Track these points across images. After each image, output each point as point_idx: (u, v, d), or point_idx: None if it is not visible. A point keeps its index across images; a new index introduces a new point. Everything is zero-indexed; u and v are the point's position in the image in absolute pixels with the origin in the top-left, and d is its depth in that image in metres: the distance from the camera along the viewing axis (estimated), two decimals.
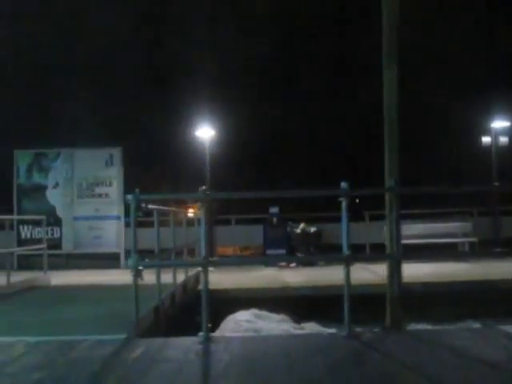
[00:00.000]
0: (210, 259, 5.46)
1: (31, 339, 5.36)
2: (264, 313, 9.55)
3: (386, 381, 4.03)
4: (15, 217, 11.16)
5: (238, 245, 14.10)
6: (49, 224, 12.97)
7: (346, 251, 5.32)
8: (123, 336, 5.36)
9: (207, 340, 5.12)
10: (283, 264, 12.24)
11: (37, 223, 13.04)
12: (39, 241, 12.70)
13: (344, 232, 5.32)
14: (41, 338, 5.40)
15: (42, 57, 20.77)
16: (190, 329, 7.23)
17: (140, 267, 5.41)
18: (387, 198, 5.74)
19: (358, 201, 17.92)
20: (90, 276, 11.73)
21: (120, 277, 11.71)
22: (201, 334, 5.19)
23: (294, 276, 11.25)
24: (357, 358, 4.61)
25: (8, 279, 9.09)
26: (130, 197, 5.19)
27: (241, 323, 9.08)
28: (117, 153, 13.51)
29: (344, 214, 5.28)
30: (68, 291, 9.61)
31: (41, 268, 10.66)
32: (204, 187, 5.15)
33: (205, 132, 14.47)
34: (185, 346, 5.07)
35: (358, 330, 5.52)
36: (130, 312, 6.98)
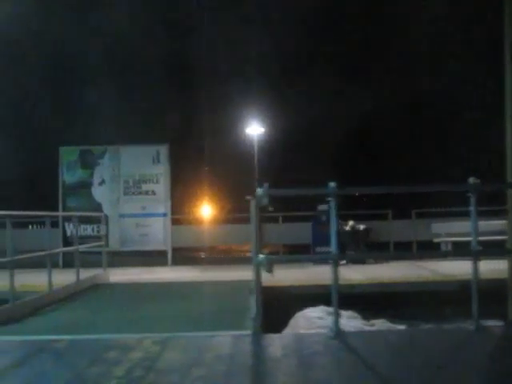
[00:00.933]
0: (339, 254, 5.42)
1: (156, 336, 5.31)
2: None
3: None
4: (75, 213, 11.03)
5: (286, 243, 14.05)
6: (95, 221, 12.89)
7: (475, 246, 5.31)
8: (248, 332, 5.34)
9: (338, 335, 5.11)
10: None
11: (82, 220, 12.94)
12: (85, 238, 12.62)
13: (473, 227, 5.31)
14: (166, 335, 5.35)
15: (89, 56, 20.67)
16: (272, 324, 7.26)
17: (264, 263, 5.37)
18: (510, 194, 5.74)
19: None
20: (144, 273, 11.67)
21: (176, 274, 11.70)
22: (329, 328, 5.21)
23: (353, 273, 11.24)
24: (506, 353, 4.60)
25: (77, 277, 9.05)
26: (259, 191, 5.14)
27: (313, 320, 9.06)
28: (164, 150, 13.41)
29: (473, 209, 5.27)
30: (138, 288, 9.56)
31: (85, 266, 10.56)
32: (333, 183, 5.12)
33: (254, 129, 14.44)
34: (319, 340, 5.07)
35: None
36: (227, 307, 7.01)
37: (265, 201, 5.13)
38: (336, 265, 5.22)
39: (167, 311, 7.13)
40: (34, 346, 5.03)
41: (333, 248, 5.24)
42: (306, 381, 3.95)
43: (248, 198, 5.91)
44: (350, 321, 9.44)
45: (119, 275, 10.94)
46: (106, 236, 13.06)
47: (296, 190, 5.82)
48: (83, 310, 7.40)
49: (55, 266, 11.62)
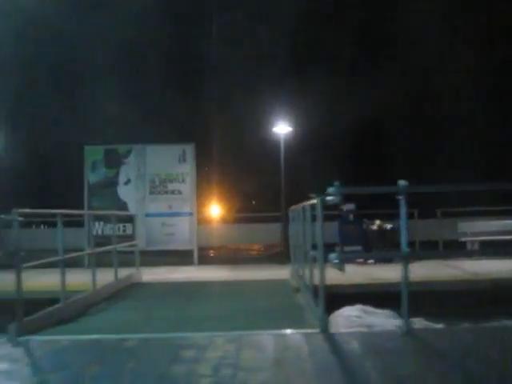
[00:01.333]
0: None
1: (225, 334, 5.29)
2: (370, 308, 9.49)
3: None
4: (115, 212, 10.94)
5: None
6: (120, 221, 12.83)
7: None
8: (315, 330, 5.34)
9: (409, 332, 5.12)
10: (361, 260, 12.23)
11: (108, 220, 12.88)
12: (110, 238, 12.54)
13: None
14: (234, 333, 5.33)
15: (116, 55, 20.57)
16: None
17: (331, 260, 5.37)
18: None
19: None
20: (174, 273, 11.64)
21: (206, 273, 11.64)
22: (399, 326, 5.23)
23: (383, 272, 11.22)
24: None
25: (116, 276, 9.02)
26: (332, 189, 5.13)
27: (351, 319, 9.01)
28: (190, 149, 13.39)
29: None
30: (177, 287, 9.51)
31: (111, 265, 10.50)
32: (404, 181, 5.11)
33: (281, 129, 14.37)
34: (391, 337, 5.08)
35: None
36: (276, 305, 6.98)
37: (336, 199, 5.11)
38: (406, 263, 5.22)
39: (218, 310, 7.10)
40: (105, 345, 5.01)
41: (403, 246, 5.24)
42: (399, 377, 3.95)
43: (311, 195, 5.89)
44: (389, 320, 9.43)
45: (148, 274, 10.89)
46: (132, 235, 13.05)
47: (367, 189, 5.81)
48: (133, 308, 7.36)
49: (80, 265, 11.64)
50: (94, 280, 7.82)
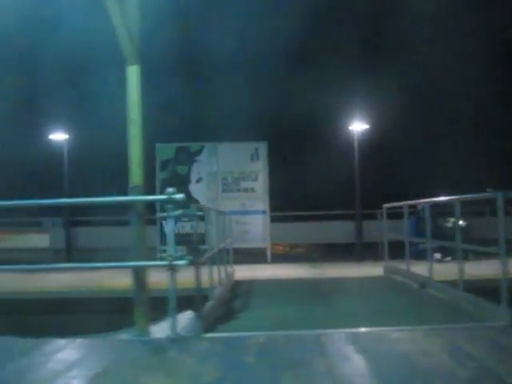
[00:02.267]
0: None
1: (399, 328, 5.27)
2: None
3: None
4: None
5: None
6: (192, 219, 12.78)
7: None
8: (502, 323, 5.36)
9: None
10: (439, 257, 12.29)
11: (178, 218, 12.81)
12: (183, 236, 12.45)
13: None
14: (411, 327, 5.35)
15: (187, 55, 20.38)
16: None
17: None
18: None
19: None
20: (256, 271, 11.60)
21: (289, 271, 11.62)
22: None
23: (472, 269, 11.25)
24: None
25: (226, 274, 8.99)
26: None
27: None
28: (262, 147, 13.38)
29: None
30: (282, 285, 9.46)
31: None
32: None
33: (357, 126, 14.24)
34: None
35: None
36: (407, 302, 6.96)
37: None
38: None
39: (352, 308, 6.96)
40: (310, 340, 4.91)
41: None
42: None
43: (489, 190, 5.92)
44: None
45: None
46: (205, 234, 12.96)
47: None
48: (276, 306, 7.26)
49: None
50: (219, 277, 7.81)
